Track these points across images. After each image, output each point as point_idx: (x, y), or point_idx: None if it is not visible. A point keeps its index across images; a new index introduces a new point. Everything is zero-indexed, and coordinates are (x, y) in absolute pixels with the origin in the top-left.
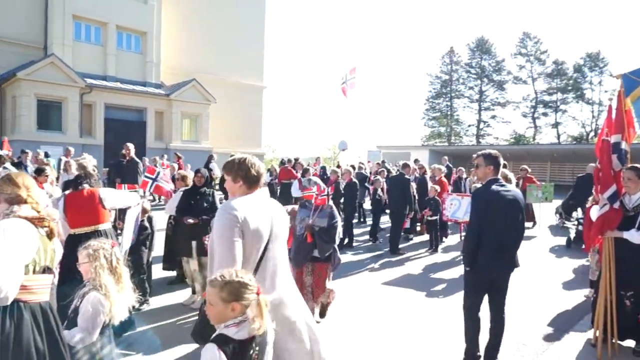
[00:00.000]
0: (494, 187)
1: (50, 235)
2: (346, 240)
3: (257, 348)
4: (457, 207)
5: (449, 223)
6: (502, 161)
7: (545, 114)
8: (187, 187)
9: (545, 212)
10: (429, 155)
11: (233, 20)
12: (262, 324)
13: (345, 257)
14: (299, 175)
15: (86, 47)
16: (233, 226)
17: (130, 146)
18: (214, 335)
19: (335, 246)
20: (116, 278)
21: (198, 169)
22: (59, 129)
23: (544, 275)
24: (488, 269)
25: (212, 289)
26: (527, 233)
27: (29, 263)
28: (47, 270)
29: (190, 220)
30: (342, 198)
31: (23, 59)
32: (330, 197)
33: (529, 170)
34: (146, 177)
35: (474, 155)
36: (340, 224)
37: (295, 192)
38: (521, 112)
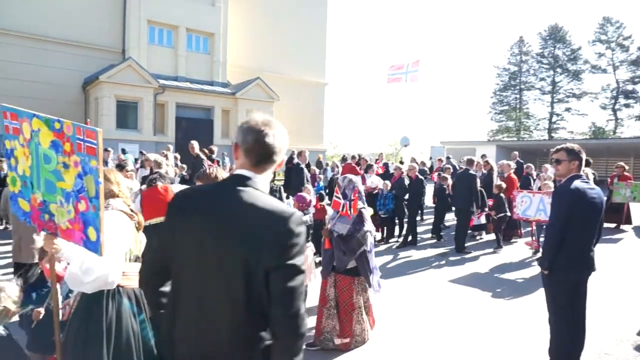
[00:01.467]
0: (578, 184)
1: (138, 227)
2: (410, 238)
3: None
4: (528, 205)
5: (521, 222)
6: (584, 156)
7: (628, 105)
8: None
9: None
10: (496, 150)
11: (296, 18)
12: None
13: (409, 255)
14: (362, 171)
15: (159, 49)
16: None
17: (194, 144)
18: None
19: (370, 262)
20: None
21: None
22: (135, 128)
23: (629, 280)
24: (569, 270)
25: None
26: (614, 235)
27: (127, 252)
28: (137, 259)
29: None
30: (407, 195)
31: (104, 63)
32: (358, 204)
33: (626, 167)
34: None
35: (553, 150)
36: (372, 233)
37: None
38: (600, 103)
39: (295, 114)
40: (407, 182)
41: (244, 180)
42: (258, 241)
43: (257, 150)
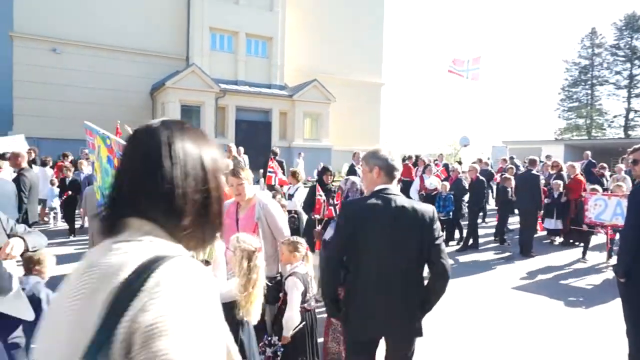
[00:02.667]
0: None
1: None
2: (470, 241)
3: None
4: (603, 209)
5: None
6: None
7: None
8: (312, 184)
9: None
10: (564, 150)
11: (352, 19)
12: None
13: (470, 259)
14: (419, 172)
15: (220, 55)
16: None
17: (232, 146)
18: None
19: None
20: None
21: (326, 166)
22: None
23: None
24: None
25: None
26: None
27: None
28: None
29: (317, 216)
30: (467, 196)
31: (169, 70)
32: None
33: None
34: (269, 172)
35: (630, 150)
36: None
37: (414, 192)
38: None
39: (351, 115)
40: (466, 183)
41: (393, 191)
42: (423, 225)
43: (392, 170)
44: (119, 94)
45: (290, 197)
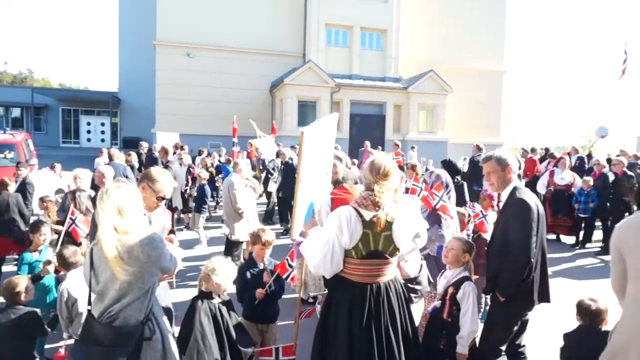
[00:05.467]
0: None
1: (375, 225)
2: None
3: None
4: None
5: None
6: None
7: None
8: None
9: None
10: None
11: (471, 5)
12: None
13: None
14: (549, 166)
15: (335, 50)
16: None
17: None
18: None
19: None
20: None
21: (447, 160)
22: None
23: None
24: None
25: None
26: None
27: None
28: (368, 255)
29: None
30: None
31: (287, 67)
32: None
33: None
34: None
35: None
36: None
37: (542, 188)
38: None
39: (469, 106)
40: (611, 178)
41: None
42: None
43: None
44: (242, 92)
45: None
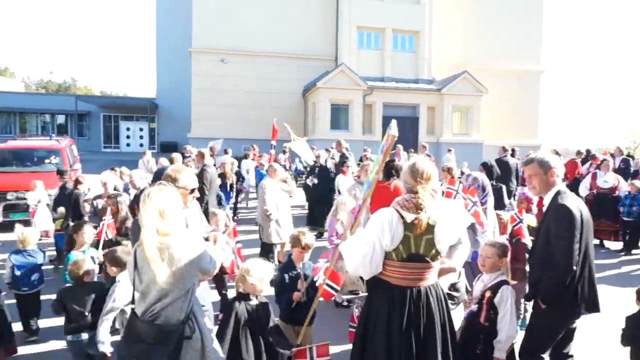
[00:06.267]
0: None
1: (417, 227)
2: None
3: None
4: None
5: None
6: None
7: None
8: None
9: None
10: None
11: (506, 3)
12: None
13: None
14: (592, 169)
15: (367, 53)
16: None
17: (342, 141)
18: None
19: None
20: None
21: (487, 162)
22: (346, 128)
23: None
24: None
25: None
26: None
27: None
28: (410, 258)
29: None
30: None
31: (320, 70)
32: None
33: None
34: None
35: None
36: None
37: (584, 190)
38: None
39: (505, 107)
40: None
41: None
42: None
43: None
44: (275, 97)
45: (443, 193)
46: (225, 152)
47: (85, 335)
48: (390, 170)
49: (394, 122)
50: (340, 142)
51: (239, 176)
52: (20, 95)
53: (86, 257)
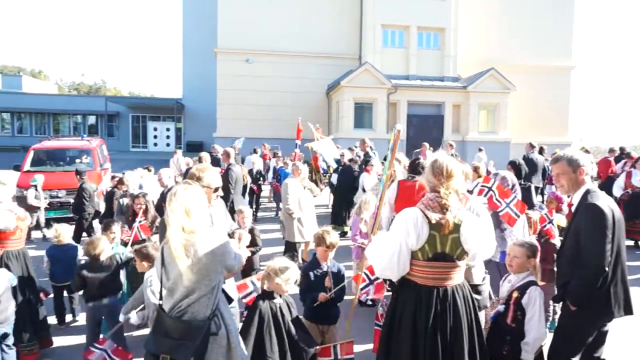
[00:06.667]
0: None
1: (443, 227)
2: None
3: None
4: None
5: None
6: None
7: None
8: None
9: None
10: None
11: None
12: None
13: None
14: (627, 168)
15: (392, 51)
16: None
17: (366, 139)
18: None
19: None
20: None
21: (515, 161)
22: (370, 127)
23: None
24: None
25: None
26: None
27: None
28: (438, 257)
29: None
30: None
31: (344, 69)
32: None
33: None
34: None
35: None
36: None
37: (618, 190)
38: None
39: (534, 104)
40: None
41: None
42: None
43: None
44: (299, 96)
45: (470, 192)
46: (255, 152)
47: (105, 300)
48: (415, 168)
49: (398, 124)
50: (364, 141)
51: (260, 175)
52: (54, 97)
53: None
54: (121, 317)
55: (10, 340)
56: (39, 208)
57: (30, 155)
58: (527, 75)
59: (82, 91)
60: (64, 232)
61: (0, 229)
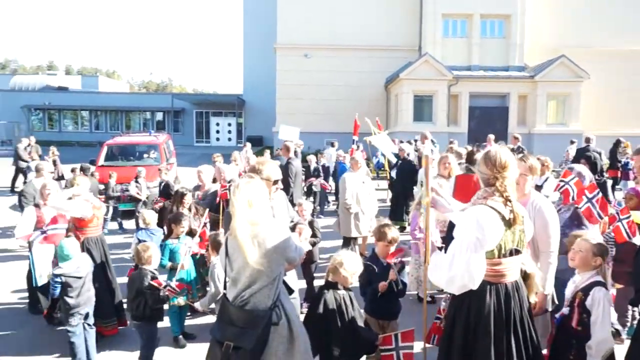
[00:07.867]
0: None
1: (513, 222)
2: None
3: None
4: None
5: None
6: None
7: None
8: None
9: None
10: None
11: None
12: None
13: None
14: None
15: (453, 41)
16: None
17: (427, 134)
18: None
19: None
20: None
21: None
22: (430, 120)
23: None
24: None
25: None
26: None
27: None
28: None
29: None
30: None
31: (402, 62)
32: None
33: None
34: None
35: None
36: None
37: None
38: None
39: (609, 93)
40: None
41: None
42: None
43: None
44: (357, 90)
45: (539, 188)
46: (332, 145)
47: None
48: (473, 161)
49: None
50: (425, 135)
51: (319, 172)
52: (125, 95)
53: (165, 259)
54: (200, 309)
55: (91, 320)
56: (139, 200)
57: (104, 151)
58: (600, 62)
59: (151, 89)
60: (149, 216)
61: (79, 217)
